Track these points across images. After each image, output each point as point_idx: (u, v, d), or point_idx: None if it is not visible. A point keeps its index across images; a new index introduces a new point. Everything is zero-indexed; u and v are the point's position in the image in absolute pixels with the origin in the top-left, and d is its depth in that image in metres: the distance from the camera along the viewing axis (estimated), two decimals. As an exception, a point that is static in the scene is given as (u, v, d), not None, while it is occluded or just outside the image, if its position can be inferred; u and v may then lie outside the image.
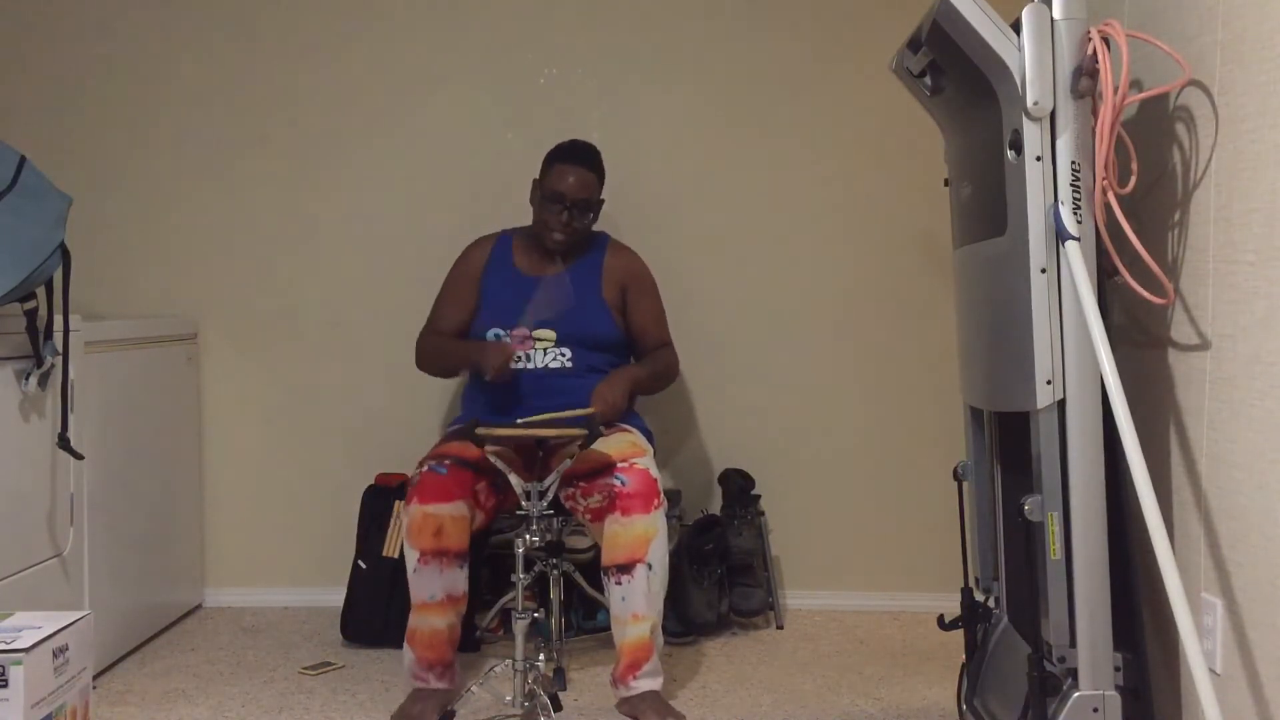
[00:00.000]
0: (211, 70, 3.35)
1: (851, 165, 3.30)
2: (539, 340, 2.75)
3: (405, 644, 2.50)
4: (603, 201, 2.88)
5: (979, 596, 2.31)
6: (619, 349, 2.85)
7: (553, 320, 2.75)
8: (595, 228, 2.92)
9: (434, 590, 2.47)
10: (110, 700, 2.59)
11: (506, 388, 2.74)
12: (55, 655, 1.77)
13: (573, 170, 2.76)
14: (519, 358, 2.74)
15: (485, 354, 2.65)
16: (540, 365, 2.75)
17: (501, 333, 2.76)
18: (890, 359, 3.31)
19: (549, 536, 2.67)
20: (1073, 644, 1.88)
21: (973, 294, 2.14)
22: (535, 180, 2.84)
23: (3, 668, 1.67)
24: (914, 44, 2.09)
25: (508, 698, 2.55)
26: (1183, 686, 2.03)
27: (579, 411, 2.58)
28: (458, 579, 2.49)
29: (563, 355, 2.75)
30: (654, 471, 2.52)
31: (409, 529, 2.48)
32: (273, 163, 3.36)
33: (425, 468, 2.51)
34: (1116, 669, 1.89)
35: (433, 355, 2.83)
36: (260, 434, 3.39)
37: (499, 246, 2.89)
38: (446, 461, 2.52)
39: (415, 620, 2.49)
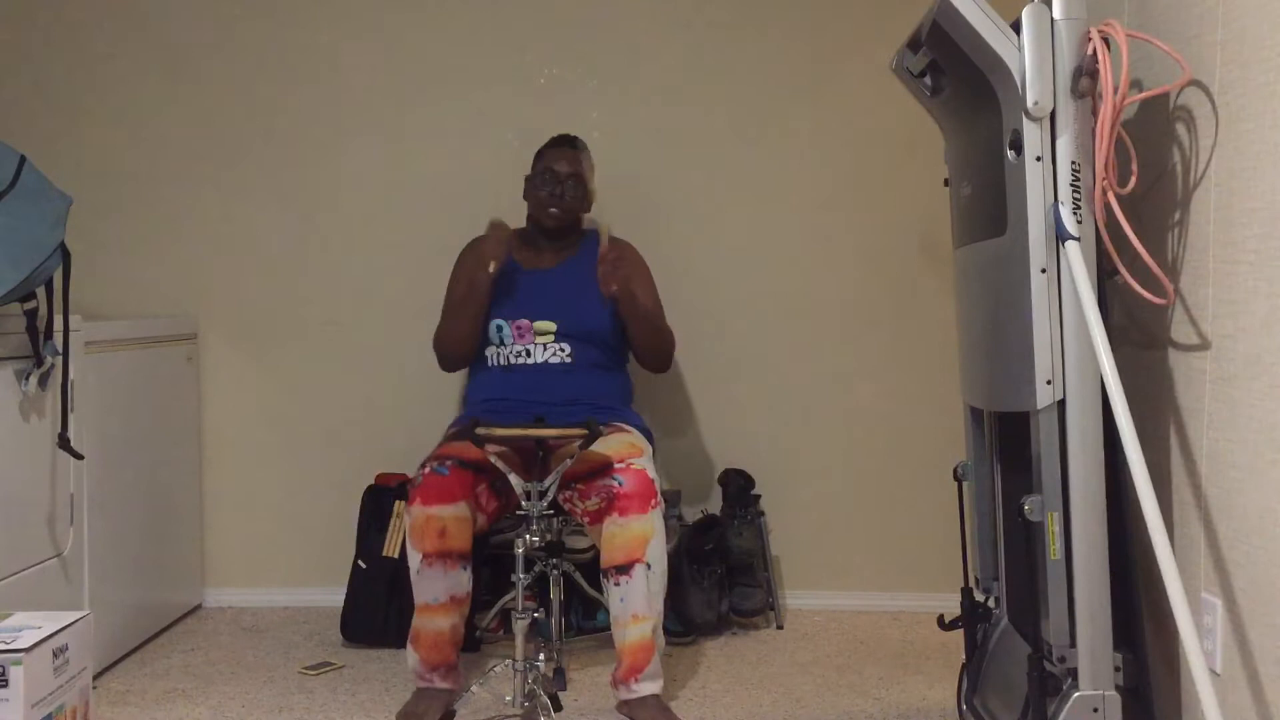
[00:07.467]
0: (212, 70, 3.35)
1: (851, 165, 3.30)
2: (539, 335, 2.76)
3: (409, 646, 2.50)
4: (594, 192, 2.90)
5: (979, 596, 2.31)
6: (619, 343, 2.85)
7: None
8: (591, 226, 2.92)
9: (438, 592, 2.46)
10: (110, 700, 2.59)
11: (506, 385, 2.74)
12: (55, 655, 1.77)
13: (562, 152, 2.84)
14: (519, 352, 2.75)
15: (480, 249, 2.68)
16: (540, 360, 2.75)
17: (504, 324, 2.77)
18: (890, 359, 3.31)
19: (549, 536, 2.67)
20: (1073, 644, 1.88)
21: (973, 294, 2.14)
22: (527, 176, 2.86)
23: (3, 668, 1.67)
24: (914, 44, 2.09)
25: (508, 698, 2.55)
26: (1183, 686, 2.03)
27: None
28: (461, 580, 2.49)
29: (562, 350, 2.75)
30: (651, 472, 2.51)
31: (412, 531, 2.47)
32: (273, 163, 3.36)
33: (427, 469, 2.51)
34: (1116, 669, 1.89)
35: (446, 327, 2.81)
36: (260, 434, 3.39)
37: (500, 244, 2.90)
38: (448, 462, 2.52)
39: (419, 622, 2.48)
